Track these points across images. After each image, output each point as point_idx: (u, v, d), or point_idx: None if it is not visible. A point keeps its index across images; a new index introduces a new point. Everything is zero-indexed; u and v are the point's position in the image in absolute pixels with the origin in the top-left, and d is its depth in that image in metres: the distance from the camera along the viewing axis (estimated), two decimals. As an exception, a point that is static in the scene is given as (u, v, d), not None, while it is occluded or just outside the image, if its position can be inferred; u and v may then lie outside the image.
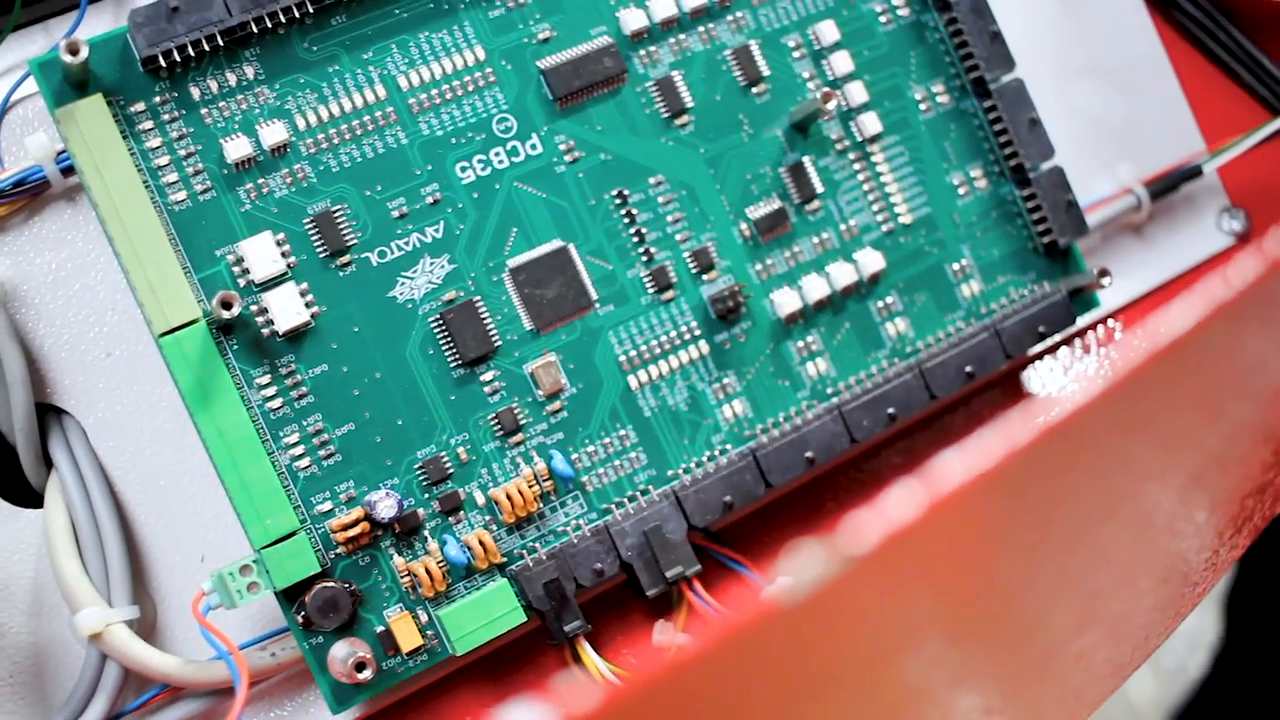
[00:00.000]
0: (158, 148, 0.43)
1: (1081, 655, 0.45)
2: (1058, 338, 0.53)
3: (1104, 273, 0.52)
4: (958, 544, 0.33)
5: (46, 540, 0.44)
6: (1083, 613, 0.43)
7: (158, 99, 0.43)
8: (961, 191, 0.52)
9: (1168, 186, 0.57)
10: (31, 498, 0.45)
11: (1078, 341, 0.56)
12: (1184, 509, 0.44)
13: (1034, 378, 0.56)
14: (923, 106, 0.52)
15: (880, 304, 0.51)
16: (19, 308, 0.45)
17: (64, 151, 0.45)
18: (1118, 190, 0.57)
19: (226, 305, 0.41)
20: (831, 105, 0.48)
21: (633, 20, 0.48)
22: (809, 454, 0.48)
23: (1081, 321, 0.53)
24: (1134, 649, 0.49)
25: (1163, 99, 0.60)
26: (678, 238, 0.48)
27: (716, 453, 0.48)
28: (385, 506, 0.43)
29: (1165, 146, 0.59)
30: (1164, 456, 0.40)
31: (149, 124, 0.43)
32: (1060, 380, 0.56)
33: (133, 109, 0.43)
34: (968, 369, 0.50)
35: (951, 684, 0.38)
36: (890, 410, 0.49)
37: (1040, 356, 0.53)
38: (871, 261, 0.50)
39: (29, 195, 0.45)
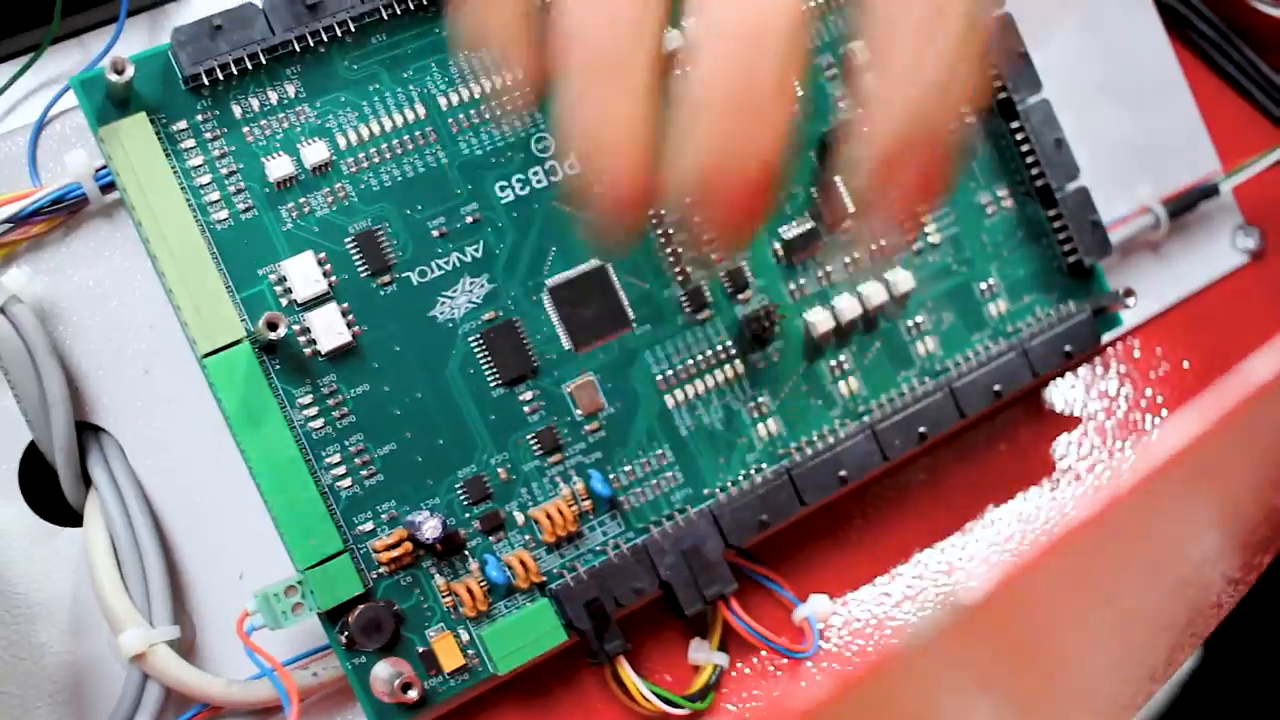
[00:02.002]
0: (200, 166, 0.43)
1: (1101, 678, 0.46)
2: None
3: (1129, 293, 0.52)
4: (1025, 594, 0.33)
5: (87, 559, 0.44)
6: (1096, 636, 0.43)
7: (200, 117, 0.43)
8: (989, 211, 0.53)
9: (1185, 205, 0.58)
10: (70, 516, 0.45)
11: (1097, 359, 0.57)
12: (1204, 538, 0.45)
13: (1054, 394, 0.56)
14: (950, 126, 0.52)
15: (910, 323, 0.51)
16: (56, 325, 0.44)
17: (103, 168, 0.44)
18: (1137, 209, 0.58)
19: (272, 326, 0.41)
20: (866, 128, 0.48)
21: (667, 39, 0.48)
22: (842, 473, 0.48)
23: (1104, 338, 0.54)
24: (1153, 674, 0.50)
25: (1179, 118, 0.60)
26: (713, 257, 0.48)
27: (752, 471, 0.48)
28: (430, 527, 0.43)
29: (1181, 165, 0.60)
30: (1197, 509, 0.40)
31: (191, 142, 0.43)
32: (1080, 397, 0.56)
33: (175, 127, 0.43)
34: (996, 387, 0.50)
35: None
36: (921, 429, 0.49)
37: (1061, 373, 0.53)
38: (901, 281, 0.50)
39: (67, 213, 0.45)
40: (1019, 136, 0.52)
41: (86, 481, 0.45)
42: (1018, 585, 0.29)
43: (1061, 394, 0.56)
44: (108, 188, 0.45)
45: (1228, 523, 0.43)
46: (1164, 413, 0.56)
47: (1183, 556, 0.43)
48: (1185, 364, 0.57)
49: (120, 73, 0.41)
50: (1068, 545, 0.29)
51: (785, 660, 0.49)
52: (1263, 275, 0.61)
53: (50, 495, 0.45)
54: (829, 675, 0.44)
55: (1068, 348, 0.52)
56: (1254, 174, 0.58)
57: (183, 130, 0.43)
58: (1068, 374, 0.56)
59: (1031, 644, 0.37)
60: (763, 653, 0.49)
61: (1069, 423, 0.55)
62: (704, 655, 0.48)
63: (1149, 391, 0.57)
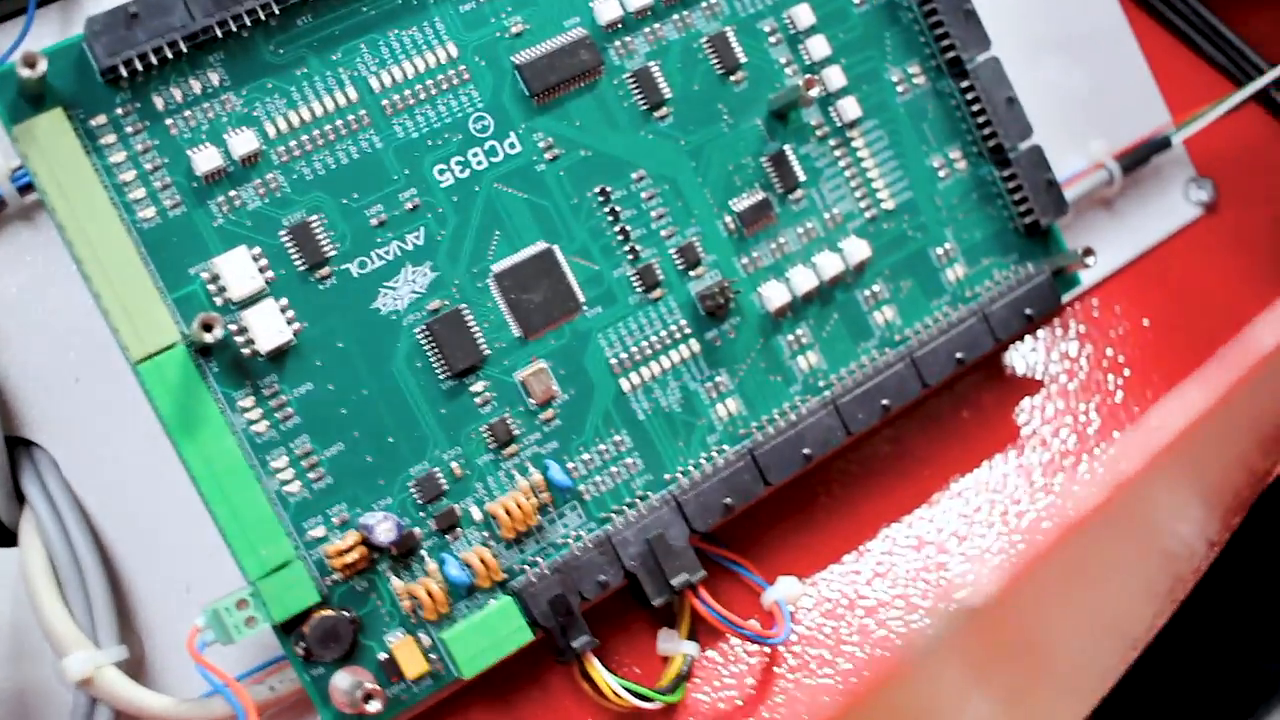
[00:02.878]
0: (122, 162, 0.41)
1: (1079, 656, 0.45)
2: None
3: (1089, 252, 0.51)
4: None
5: (25, 581, 0.42)
6: (1081, 619, 0.42)
7: (119, 110, 0.41)
8: (942, 174, 0.51)
9: (1138, 160, 0.57)
10: (4, 536, 0.43)
11: (1056, 320, 0.56)
12: (1179, 516, 0.44)
13: (1015, 358, 0.55)
14: (900, 89, 0.51)
15: (867, 293, 0.50)
16: (-22, 337, 0.42)
17: (19, 169, 0.42)
18: (1090, 165, 0.56)
19: (208, 327, 0.39)
20: (814, 92, 0.47)
21: (606, 10, 0.47)
22: (806, 450, 0.47)
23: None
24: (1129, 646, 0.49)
25: (1127, 71, 0.59)
26: (662, 234, 0.47)
27: (713, 453, 0.46)
28: (384, 530, 0.41)
29: (1131, 119, 0.59)
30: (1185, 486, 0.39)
31: (111, 137, 0.41)
32: (1041, 359, 0.55)
33: (93, 122, 0.40)
34: (958, 355, 0.49)
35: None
36: (884, 401, 0.48)
37: (1020, 336, 0.52)
38: (857, 250, 0.49)
39: (-17, 217, 0.43)
40: (969, 96, 0.51)
41: (20, 499, 0.43)
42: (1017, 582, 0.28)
43: (1022, 357, 0.55)
44: (25, 189, 0.42)
45: (1212, 494, 0.42)
46: (1126, 372, 0.55)
47: (1169, 533, 0.42)
48: (1145, 321, 0.57)
49: (32, 67, 0.38)
50: (1066, 540, 0.28)
51: (757, 646, 0.48)
52: (1216, 227, 0.60)
53: (-19, 516, 0.43)
54: (837, 691, 0.43)
55: (1028, 310, 0.51)
56: (1204, 125, 0.57)
57: (102, 125, 0.40)
58: (1027, 337, 0.55)
59: (1021, 632, 0.36)
60: (733, 639, 0.48)
61: (1031, 386, 0.54)
62: (673, 645, 0.46)
63: (1110, 351, 0.56)
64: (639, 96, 0.47)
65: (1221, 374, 0.31)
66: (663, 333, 0.46)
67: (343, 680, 0.41)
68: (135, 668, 0.43)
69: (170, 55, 0.41)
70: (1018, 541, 0.51)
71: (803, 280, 0.48)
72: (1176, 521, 0.42)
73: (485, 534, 0.44)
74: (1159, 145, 0.57)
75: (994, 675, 0.37)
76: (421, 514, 0.43)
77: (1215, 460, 0.40)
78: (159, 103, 0.41)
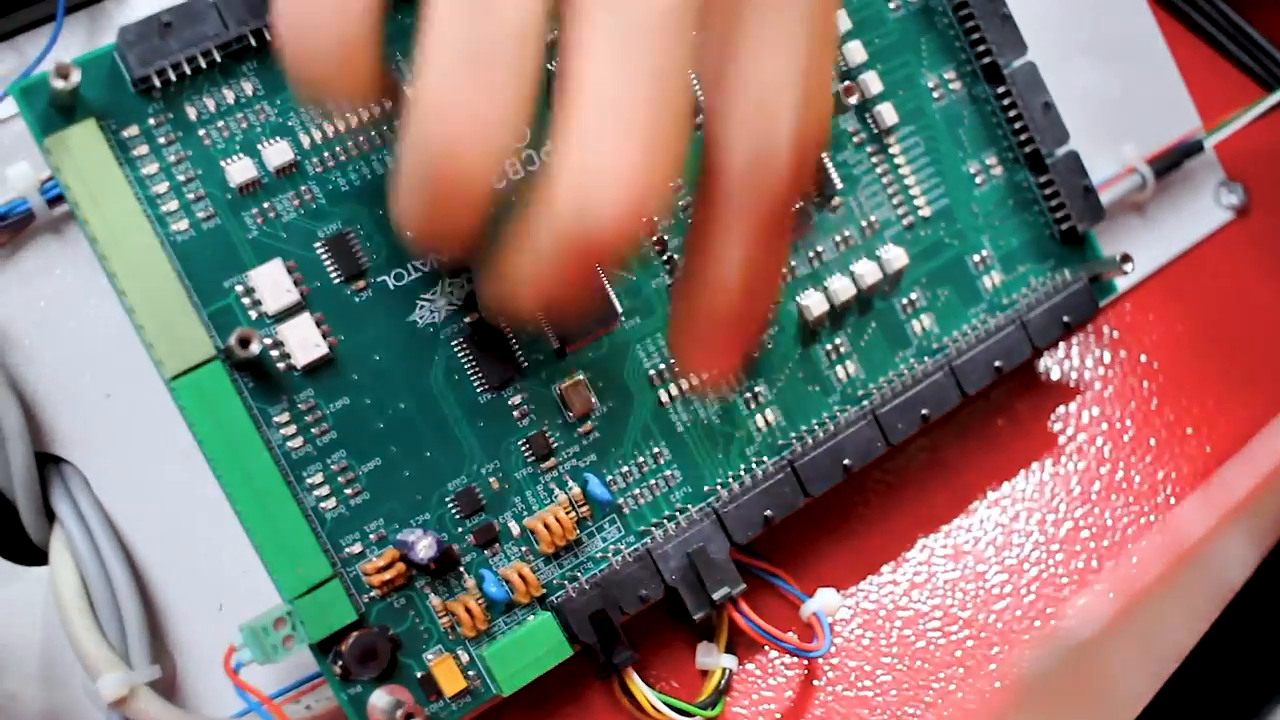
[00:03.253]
0: (155, 174, 0.40)
1: (1121, 679, 0.44)
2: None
3: (1126, 258, 0.50)
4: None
5: (56, 600, 0.41)
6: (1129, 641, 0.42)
7: (152, 121, 0.40)
8: (978, 180, 0.51)
9: (1171, 164, 0.56)
10: (35, 555, 0.42)
11: (1089, 327, 0.55)
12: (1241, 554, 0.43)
13: (1049, 364, 0.54)
14: (935, 94, 0.50)
15: (905, 301, 0.49)
16: (8, 351, 0.41)
17: (49, 180, 0.41)
18: (1122, 170, 0.56)
19: (245, 342, 0.39)
20: (852, 99, 0.46)
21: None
22: (846, 461, 0.46)
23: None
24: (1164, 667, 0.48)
25: (1159, 76, 0.59)
26: (698, 244, 0.46)
27: (753, 465, 0.46)
28: (424, 546, 0.41)
29: (1162, 124, 0.58)
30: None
31: (144, 149, 0.40)
32: (1075, 366, 0.54)
33: (126, 133, 0.40)
34: (996, 363, 0.49)
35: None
36: (924, 411, 0.47)
37: (1057, 343, 0.52)
38: (895, 258, 0.48)
39: (12, 230, 0.42)
40: (1005, 101, 0.50)
41: (50, 517, 0.42)
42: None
43: (1056, 364, 0.54)
44: (55, 201, 0.42)
45: (1260, 535, 0.42)
46: (1161, 378, 0.55)
47: (1221, 581, 0.41)
48: (1178, 326, 0.56)
49: (65, 78, 0.38)
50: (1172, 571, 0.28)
51: (796, 659, 0.47)
52: (1247, 231, 0.59)
53: (12, 534, 0.42)
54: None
55: (1066, 318, 0.50)
56: (1235, 130, 0.57)
57: (134, 136, 0.40)
58: (1060, 343, 0.54)
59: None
60: (772, 652, 0.47)
61: (1066, 394, 0.54)
62: (712, 659, 0.46)
63: (1143, 358, 0.55)
64: (675, 103, 0.46)
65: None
66: (700, 343, 0.46)
67: (381, 699, 0.41)
68: (168, 687, 0.42)
69: (204, 64, 0.40)
70: (1056, 551, 0.50)
71: (840, 289, 0.47)
72: (1229, 564, 0.41)
73: (524, 549, 0.43)
74: (1191, 149, 0.57)
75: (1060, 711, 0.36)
76: (459, 529, 0.42)
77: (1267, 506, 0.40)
78: (192, 113, 0.40)
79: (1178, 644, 0.47)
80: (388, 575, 0.41)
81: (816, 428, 0.47)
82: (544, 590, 0.43)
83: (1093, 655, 0.29)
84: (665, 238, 0.46)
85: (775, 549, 0.48)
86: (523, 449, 0.43)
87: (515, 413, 0.43)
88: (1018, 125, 0.51)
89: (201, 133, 0.40)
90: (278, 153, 0.41)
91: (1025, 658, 0.29)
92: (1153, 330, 0.56)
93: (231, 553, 0.43)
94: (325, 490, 0.41)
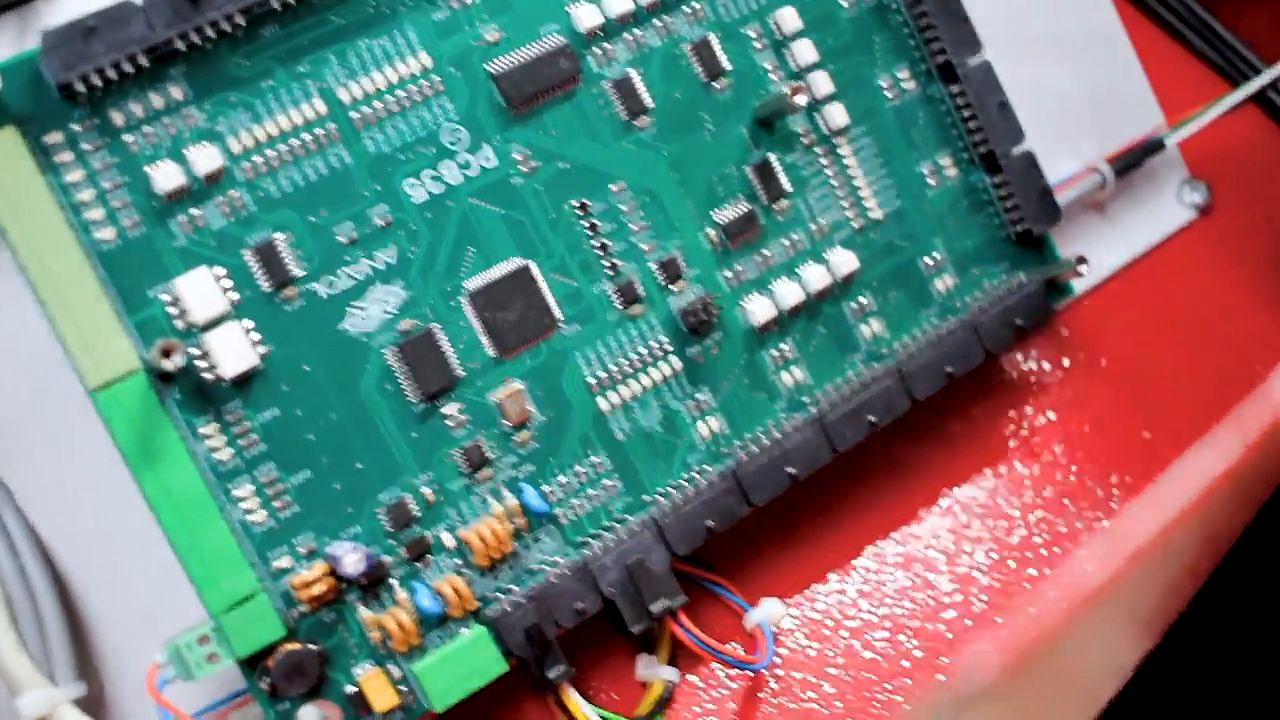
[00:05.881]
0: (79, 181, 0.39)
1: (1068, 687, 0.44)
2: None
3: (1081, 260, 0.50)
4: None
5: (-22, 615, 0.40)
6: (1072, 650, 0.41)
7: (76, 127, 0.39)
8: (931, 182, 0.50)
9: (1132, 163, 0.56)
10: (-42, 569, 0.41)
11: (1047, 328, 0.54)
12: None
13: (1005, 367, 0.54)
14: (889, 94, 0.49)
15: (854, 305, 0.48)
16: (-70, 363, 0.41)
17: (-29, 187, 0.41)
18: (1082, 169, 0.55)
19: (167, 354, 0.38)
20: (801, 99, 0.45)
21: (586, 17, 0.45)
22: (790, 469, 0.45)
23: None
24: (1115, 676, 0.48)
25: (1120, 72, 0.58)
26: (643, 248, 0.45)
27: (695, 474, 0.45)
28: (353, 561, 0.40)
29: (1125, 121, 0.57)
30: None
31: (68, 155, 0.39)
32: (1031, 368, 0.54)
33: (49, 140, 0.39)
34: (947, 368, 0.48)
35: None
36: (871, 418, 0.47)
37: (1011, 347, 0.51)
38: (844, 261, 0.47)
39: (-67, 237, 0.41)
40: (960, 101, 0.50)
41: (-26, 529, 0.41)
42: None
43: (1014, 367, 0.54)
44: (-23, 207, 0.41)
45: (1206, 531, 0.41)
46: (1119, 380, 0.54)
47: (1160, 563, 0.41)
48: (1138, 329, 0.55)
49: (-16, 83, 0.37)
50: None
51: (739, 671, 0.46)
52: (1211, 230, 0.58)
53: (-65, 546, 0.41)
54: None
55: (1019, 321, 0.49)
56: (1199, 127, 0.56)
57: (58, 143, 0.39)
58: (1018, 346, 0.53)
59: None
60: (715, 664, 0.46)
61: (1023, 397, 0.53)
62: (652, 671, 0.45)
63: (1103, 361, 0.54)
64: (619, 105, 0.45)
65: (1234, 438, 0.30)
66: (643, 350, 0.45)
67: (309, 715, 0.40)
68: (95, 705, 0.42)
69: (130, 69, 0.39)
70: (1008, 558, 0.50)
71: (788, 293, 0.47)
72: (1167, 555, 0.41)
73: (458, 561, 0.42)
74: (1152, 147, 0.56)
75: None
76: (392, 542, 0.41)
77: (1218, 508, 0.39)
78: (118, 118, 0.39)
79: (1128, 650, 0.47)
80: (317, 589, 0.40)
81: (761, 435, 0.46)
82: (478, 603, 0.42)
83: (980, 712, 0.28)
84: (607, 243, 0.45)
85: (720, 557, 0.47)
86: (457, 459, 0.42)
87: (450, 422, 0.42)
88: (972, 125, 0.50)
89: (128, 139, 0.40)
90: (206, 158, 0.40)
91: (907, 710, 0.28)
92: (1113, 332, 0.55)
93: (161, 566, 0.42)
94: (254, 503, 0.40)
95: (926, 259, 0.49)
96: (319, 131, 0.42)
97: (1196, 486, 0.32)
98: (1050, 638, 0.29)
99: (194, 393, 0.40)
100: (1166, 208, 0.58)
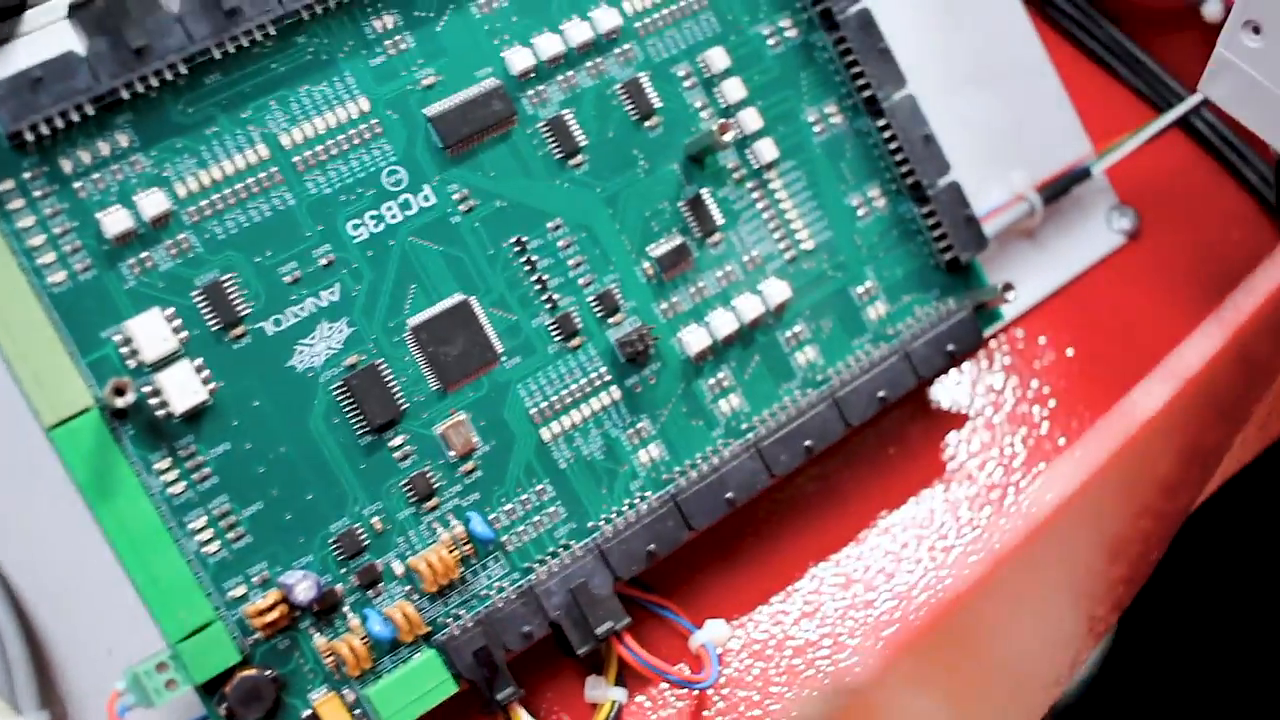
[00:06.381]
0: (31, 227, 0.40)
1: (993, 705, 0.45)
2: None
3: (1008, 287, 0.51)
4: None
5: (-60, 650, 0.41)
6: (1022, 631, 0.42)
7: (27, 175, 0.41)
8: (861, 213, 0.52)
9: (1059, 190, 0.57)
10: (-81, 606, 0.43)
11: (981, 352, 0.56)
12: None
13: (940, 392, 0.55)
14: (816, 129, 0.51)
15: (788, 334, 0.50)
16: (-112, 406, 0.42)
17: (-74, 236, 0.42)
18: (1011, 197, 0.57)
19: (120, 392, 0.39)
20: (729, 136, 0.47)
21: (519, 60, 0.47)
22: (729, 494, 0.47)
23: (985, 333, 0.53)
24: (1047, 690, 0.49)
25: (1047, 101, 0.60)
26: (580, 282, 0.47)
27: (636, 500, 0.46)
28: (303, 589, 0.41)
29: (1052, 149, 0.59)
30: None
31: (19, 202, 0.40)
32: (966, 393, 0.55)
33: (0, 188, 0.40)
34: (880, 394, 0.49)
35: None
36: (807, 443, 0.48)
37: (943, 373, 0.53)
38: (777, 291, 0.49)
39: (-108, 284, 0.42)
40: (886, 134, 0.51)
41: (-65, 567, 0.42)
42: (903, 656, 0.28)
43: (948, 391, 0.55)
44: (-66, 256, 0.42)
45: (1120, 540, 0.43)
46: (1051, 403, 0.56)
47: (1085, 572, 0.42)
48: (1069, 351, 0.57)
49: (-65, 135, 0.38)
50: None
51: (685, 690, 0.48)
52: (1140, 255, 0.60)
53: (-104, 585, 0.42)
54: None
55: (950, 347, 0.51)
56: (1126, 154, 0.58)
57: (9, 190, 0.40)
58: (952, 371, 0.55)
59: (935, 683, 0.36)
60: (662, 684, 0.48)
61: (957, 420, 0.55)
62: (601, 692, 0.46)
63: (1035, 383, 0.56)
64: (554, 145, 0.47)
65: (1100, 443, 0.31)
66: (583, 381, 0.47)
67: (265, 740, 0.41)
68: (58, 733, 0.43)
69: (77, 118, 0.41)
70: (945, 577, 0.51)
71: (723, 323, 0.48)
72: (1092, 560, 0.42)
73: (408, 588, 0.44)
74: (1079, 176, 0.58)
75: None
76: (343, 570, 0.43)
77: (1120, 506, 0.40)
78: (67, 166, 0.41)
79: (1058, 663, 0.48)
80: (271, 617, 0.41)
81: (700, 461, 0.48)
82: (428, 628, 0.43)
83: (865, 702, 0.30)
84: (545, 278, 0.46)
85: (665, 580, 0.48)
86: (405, 489, 0.44)
87: (396, 454, 0.44)
88: (899, 157, 0.51)
89: (77, 185, 0.41)
90: (153, 203, 0.42)
91: (795, 701, 0.29)
92: (1045, 355, 0.57)
93: (120, 598, 0.43)
94: (208, 534, 0.41)
95: (858, 288, 0.51)
96: (262, 175, 0.43)
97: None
98: (974, 597, 0.30)
99: (147, 429, 0.41)
100: (1096, 233, 0.60)
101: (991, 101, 0.58)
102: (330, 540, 0.43)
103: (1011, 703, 0.43)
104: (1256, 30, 0.47)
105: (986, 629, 0.36)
